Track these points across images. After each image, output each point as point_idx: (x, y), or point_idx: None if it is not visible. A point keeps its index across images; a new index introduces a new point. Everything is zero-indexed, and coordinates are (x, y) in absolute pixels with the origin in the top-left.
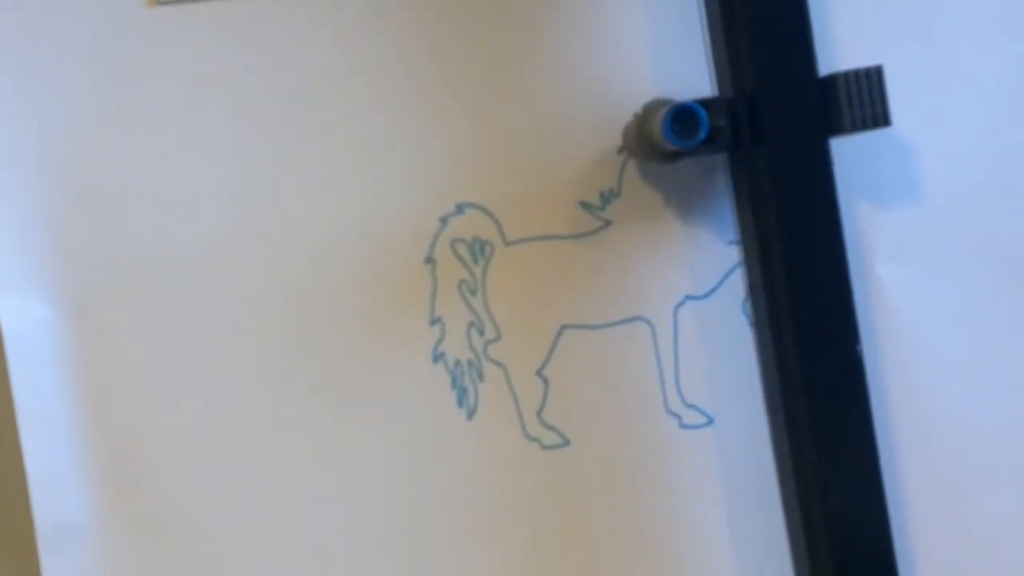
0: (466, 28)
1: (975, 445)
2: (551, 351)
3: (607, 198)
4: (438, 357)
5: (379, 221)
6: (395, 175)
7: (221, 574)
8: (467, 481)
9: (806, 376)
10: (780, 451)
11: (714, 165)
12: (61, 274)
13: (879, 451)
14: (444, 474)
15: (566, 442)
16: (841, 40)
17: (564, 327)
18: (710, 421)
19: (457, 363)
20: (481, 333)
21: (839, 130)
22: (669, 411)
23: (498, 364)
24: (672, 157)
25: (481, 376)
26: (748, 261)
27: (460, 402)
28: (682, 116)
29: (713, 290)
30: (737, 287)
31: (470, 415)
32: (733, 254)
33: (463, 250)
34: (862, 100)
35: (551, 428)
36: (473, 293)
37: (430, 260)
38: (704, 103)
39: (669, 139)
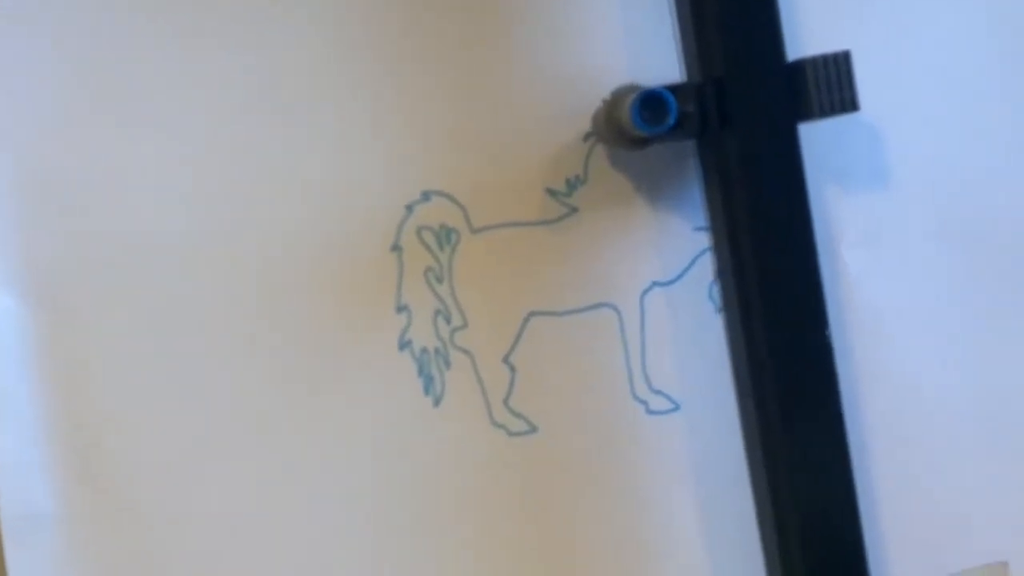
0: (432, 15)
1: (943, 428)
2: (518, 338)
3: (573, 185)
4: (404, 345)
5: (344, 209)
6: (360, 163)
7: (188, 562)
8: (434, 469)
9: (775, 361)
10: (749, 436)
11: (682, 151)
12: (26, 265)
13: (848, 435)
14: (411, 462)
15: (533, 429)
16: (809, 25)
17: (531, 314)
18: (677, 407)
19: (424, 351)
20: (448, 320)
21: (807, 115)
22: (636, 397)
23: (465, 351)
24: (641, 143)
25: (448, 363)
26: (717, 247)
27: (427, 390)
28: (650, 102)
29: (680, 276)
30: (704, 273)
31: (437, 403)
32: (700, 240)
33: (429, 237)
34: (830, 85)
35: (518, 415)
36: (439, 280)
37: (396, 248)
38: (673, 89)
39: (638, 125)
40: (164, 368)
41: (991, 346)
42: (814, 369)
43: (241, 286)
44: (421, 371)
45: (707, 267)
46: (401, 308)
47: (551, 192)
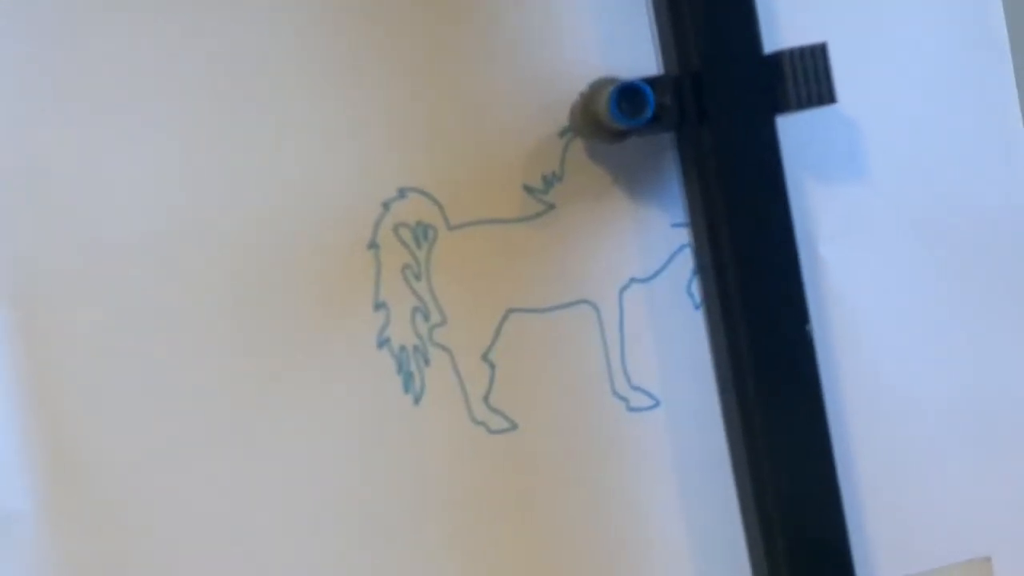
0: (408, 10)
1: (923, 422)
2: (497, 335)
3: (550, 181)
4: (383, 343)
5: (321, 207)
6: (336, 160)
7: (163, 561)
8: (414, 466)
9: (756, 356)
10: (731, 431)
11: (659, 147)
12: None
13: (830, 430)
14: (390, 460)
15: (513, 426)
16: (786, 17)
17: (509, 311)
18: (657, 403)
19: (402, 348)
20: (426, 318)
21: (785, 107)
22: (616, 394)
23: (444, 349)
24: (619, 136)
25: (427, 361)
26: (696, 241)
27: (406, 387)
28: (628, 94)
29: (658, 272)
30: (682, 269)
31: (416, 400)
32: (678, 236)
33: (406, 235)
34: (807, 77)
35: (498, 412)
36: (417, 278)
37: (373, 245)
38: (650, 81)
39: (615, 117)
40: (139, 367)
41: (971, 341)
42: (795, 364)
43: (217, 285)
44: (400, 369)
45: (685, 263)
46: (379, 306)
47: (528, 189)
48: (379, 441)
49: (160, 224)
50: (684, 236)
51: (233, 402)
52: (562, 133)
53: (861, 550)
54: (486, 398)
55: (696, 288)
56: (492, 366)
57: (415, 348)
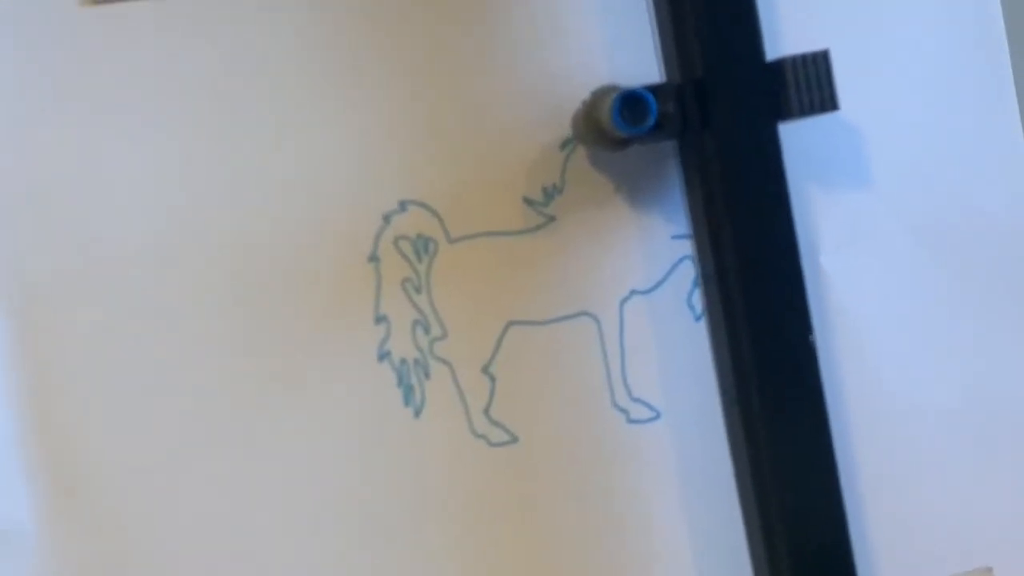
0: (407, 21)
1: (926, 432)
2: (497, 348)
3: (550, 194)
4: (383, 356)
5: (322, 220)
6: (337, 173)
7: (164, 570)
8: (414, 479)
9: (759, 365)
10: (735, 442)
11: (661, 158)
12: None
13: (833, 441)
14: (391, 473)
15: (513, 439)
16: (788, 25)
17: (510, 323)
18: (657, 415)
19: (403, 361)
20: (426, 331)
21: (787, 115)
22: (616, 406)
23: (444, 362)
24: (621, 144)
25: (427, 374)
26: (699, 249)
27: (406, 400)
28: (631, 102)
29: (659, 284)
30: (683, 281)
31: (416, 413)
32: (678, 247)
33: (407, 248)
34: (809, 85)
35: (498, 425)
36: (418, 291)
37: (374, 258)
38: (652, 89)
39: (618, 125)
40: (139, 378)
41: (974, 349)
42: (798, 373)
43: (218, 297)
44: (401, 382)
45: (686, 275)
46: (380, 319)
47: (528, 201)
48: (379, 454)
49: (160, 235)
50: (685, 248)
51: (233, 415)
52: (563, 145)
53: (864, 560)
54: (487, 411)
55: (697, 300)
56: (492, 379)
57: (415, 361)
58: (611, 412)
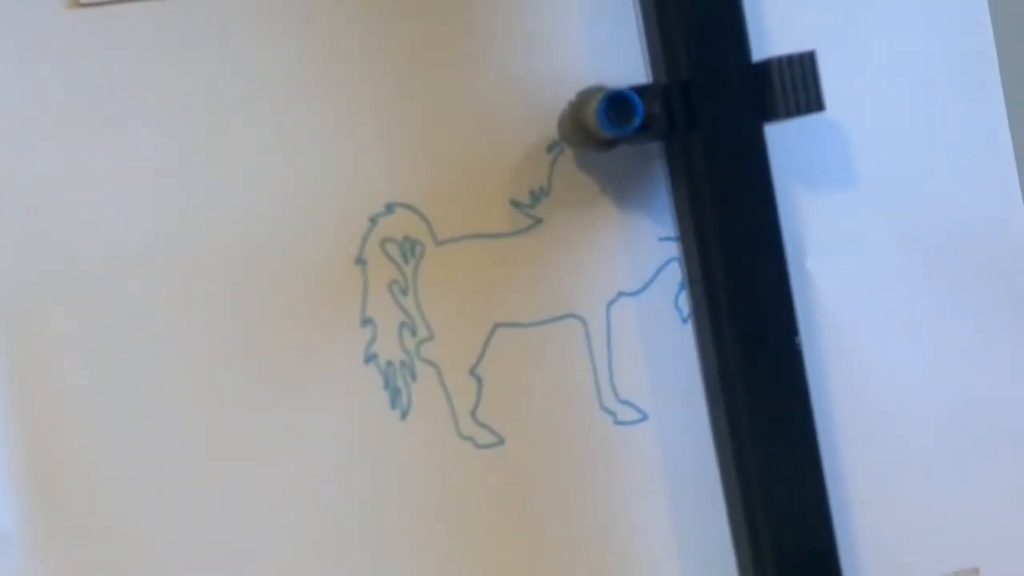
0: (394, 24)
1: (912, 434)
2: (484, 350)
3: (537, 196)
4: (370, 358)
5: (308, 222)
6: (323, 175)
7: None
8: (402, 482)
9: (744, 367)
10: (721, 445)
11: (647, 160)
12: None
13: (819, 442)
14: (378, 475)
15: (500, 441)
16: (774, 26)
17: (497, 326)
18: (644, 417)
19: (389, 364)
20: (413, 333)
21: (773, 115)
22: (603, 408)
23: (431, 364)
24: (607, 145)
25: (414, 376)
26: (685, 250)
27: (393, 403)
28: (616, 103)
29: (646, 286)
30: (670, 283)
31: (403, 415)
32: (665, 250)
33: (393, 250)
34: (795, 85)
35: (485, 427)
36: (404, 293)
37: (360, 261)
38: (638, 90)
39: (604, 126)
40: (124, 382)
41: (959, 352)
42: (784, 375)
43: (204, 301)
44: (387, 384)
45: (673, 277)
46: (366, 321)
47: (515, 203)
48: (366, 456)
49: (146, 238)
50: (672, 250)
51: (219, 418)
52: (550, 147)
53: (850, 562)
54: (473, 413)
55: (684, 302)
56: (479, 381)
57: (402, 363)
58: (598, 414)
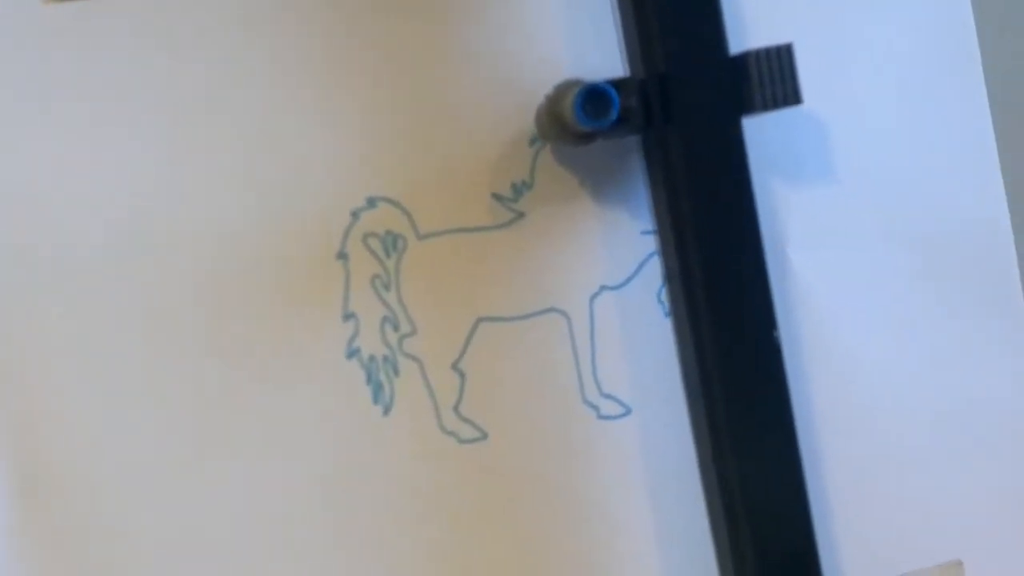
0: (371, 18)
1: (893, 427)
2: (467, 344)
3: (519, 190)
4: (352, 353)
5: (289, 217)
6: (303, 169)
7: None
8: (385, 477)
9: (723, 363)
10: (699, 439)
11: (629, 153)
12: None
13: (798, 437)
14: (361, 471)
15: (483, 435)
16: (752, 18)
17: (479, 320)
18: (628, 411)
19: (372, 358)
20: (395, 328)
21: (750, 109)
22: (587, 402)
23: (413, 359)
24: (584, 139)
25: (396, 371)
26: (663, 243)
27: (376, 398)
28: (593, 96)
29: (629, 280)
30: (653, 277)
31: (386, 411)
32: (648, 243)
33: (375, 244)
34: (773, 78)
35: (468, 422)
36: (387, 287)
37: (342, 255)
38: (615, 83)
39: (580, 120)
40: (105, 380)
41: (940, 346)
42: (763, 370)
43: (184, 296)
44: (370, 379)
45: (656, 271)
46: (348, 316)
47: (497, 197)
48: (349, 452)
49: (126, 233)
50: (654, 244)
51: (201, 414)
52: (532, 141)
53: (831, 556)
54: (456, 408)
55: (667, 295)
56: (462, 375)
57: (385, 358)
58: (581, 408)
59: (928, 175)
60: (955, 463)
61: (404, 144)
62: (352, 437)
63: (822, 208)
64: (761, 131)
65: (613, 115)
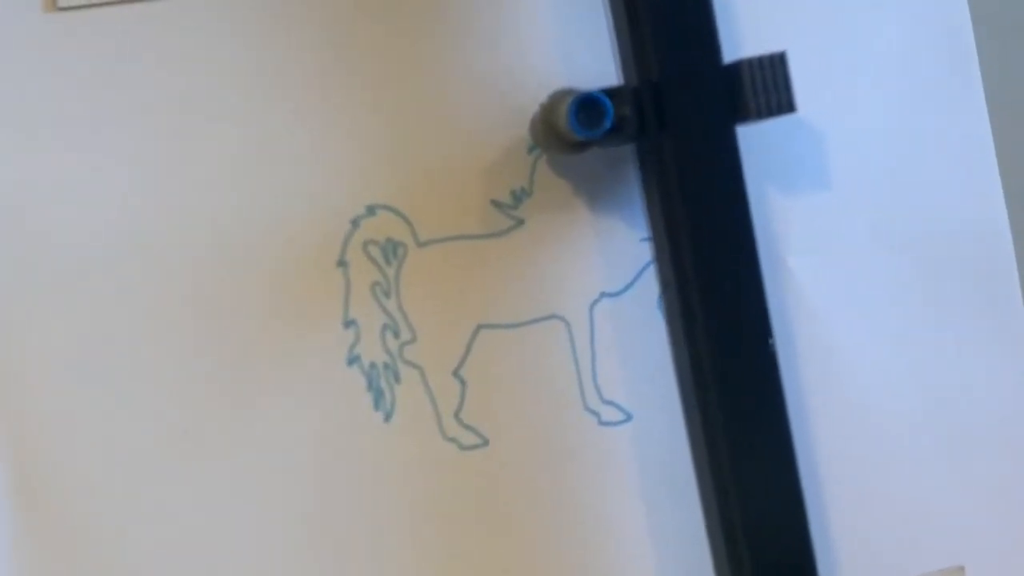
0: (370, 29)
1: (893, 433)
2: (467, 351)
3: (519, 197)
4: (353, 360)
5: (290, 225)
6: (304, 178)
7: None
8: (386, 484)
9: (719, 371)
10: (696, 447)
11: (627, 160)
12: None
13: (794, 444)
14: (362, 478)
15: (484, 442)
16: (745, 26)
17: (480, 327)
18: (628, 418)
19: (372, 366)
20: (396, 335)
21: (744, 117)
22: (587, 408)
23: (414, 366)
24: (579, 147)
25: (397, 378)
26: (659, 254)
27: (377, 405)
28: (587, 105)
29: (629, 286)
30: (652, 283)
31: (387, 418)
32: (647, 250)
33: (376, 252)
34: (767, 87)
35: (469, 428)
36: (387, 295)
37: (342, 263)
38: (609, 92)
39: (574, 129)
40: (104, 386)
41: (939, 351)
42: (758, 378)
43: (185, 304)
44: (371, 386)
45: (655, 277)
46: (349, 323)
47: (497, 204)
48: (350, 459)
49: (125, 242)
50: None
51: (201, 421)
52: (531, 148)
53: (830, 562)
54: (457, 414)
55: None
56: (463, 382)
57: (385, 365)
58: (582, 415)
59: (926, 179)
60: (955, 468)
61: (404, 152)
62: (353, 444)
63: (819, 213)
64: (757, 137)
65: (607, 124)
